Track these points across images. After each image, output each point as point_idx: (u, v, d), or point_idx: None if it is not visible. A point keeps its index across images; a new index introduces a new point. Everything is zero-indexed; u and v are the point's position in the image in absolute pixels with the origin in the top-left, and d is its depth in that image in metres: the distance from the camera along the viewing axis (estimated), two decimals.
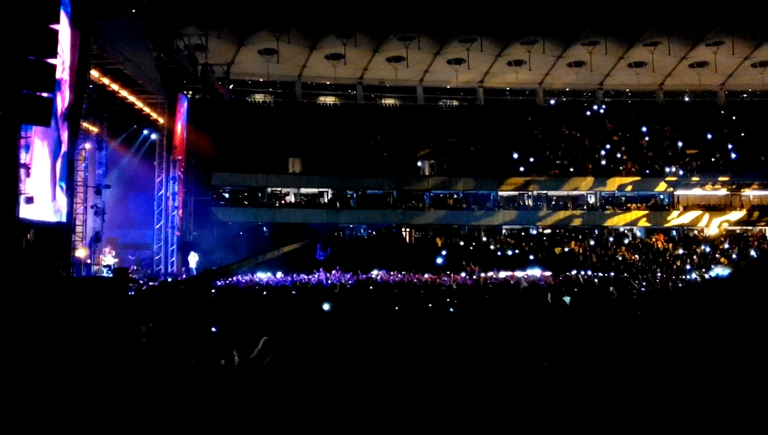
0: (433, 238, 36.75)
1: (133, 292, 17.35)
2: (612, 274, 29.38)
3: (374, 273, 27.63)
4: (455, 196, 39.08)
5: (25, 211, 15.06)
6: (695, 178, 39.58)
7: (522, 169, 38.92)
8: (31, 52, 13.77)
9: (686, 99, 44.79)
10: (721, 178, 39.57)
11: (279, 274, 26.29)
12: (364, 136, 38.60)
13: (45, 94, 14.12)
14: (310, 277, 25.85)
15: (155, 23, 23.74)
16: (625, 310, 13.17)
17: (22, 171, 14.73)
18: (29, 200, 15.04)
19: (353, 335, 8.94)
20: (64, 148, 16.89)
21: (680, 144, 40.75)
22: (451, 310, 13.65)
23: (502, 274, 28.92)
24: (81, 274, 19.97)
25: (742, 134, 41.30)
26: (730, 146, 40.73)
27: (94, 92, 20.46)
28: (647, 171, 39.77)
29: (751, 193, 39.93)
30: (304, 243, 29.54)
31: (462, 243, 35.95)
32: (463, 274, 28.24)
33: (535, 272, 29.79)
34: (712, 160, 40.24)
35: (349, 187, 38.22)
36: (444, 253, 32.80)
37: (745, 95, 44.58)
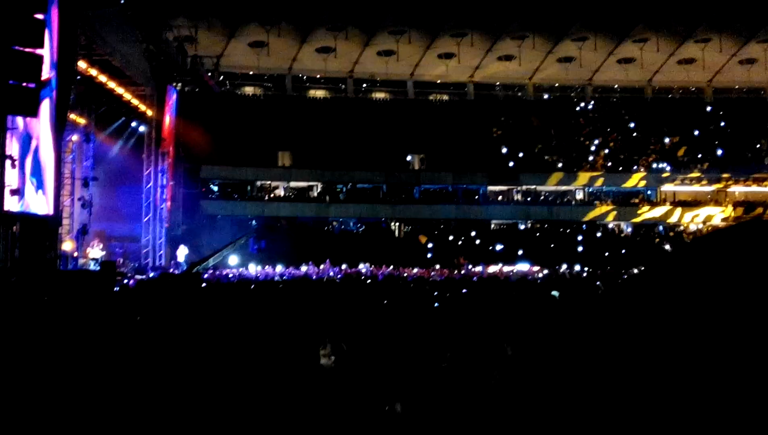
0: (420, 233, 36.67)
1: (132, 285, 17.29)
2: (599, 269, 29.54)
3: (363, 267, 27.67)
4: (444, 190, 39.18)
5: (11, 204, 14.93)
6: (682, 174, 39.89)
7: (511, 163, 39.06)
8: (17, 43, 13.67)
9: (674, 95, 45.03)
10: (707, 174, 39.89)
11: (267, 268, 26.28)
12: (354, 130, 38.53)
13: (31, 85, 14.05)
14: (296, 271, 25.85)
15: (144, 14, 23.55)
16: (612, 304, 13.30)
17: (8, 162, 14.60)
18: (15, 192, 14.91)
19: (342, 330, 8.95)
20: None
21: (668, 140, 41.00)
22: (436, 304, 13.70)
23: (491, 269, 29.04)
24: (68, 267, 19.85)
25: (729, 130, 41.65)
26: (716, 142, 41.06)
27: (81, 84, 20.27)
28: (635, 166, 40.00)
29: (737, 189, 40.27)
30: (246, 237, 29.30)
31: (451, 237, 36.01)
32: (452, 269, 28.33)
33: (524, 267, 29.92)
34: (699, 156, 40.52)
35: (339, 180, 38.20)
36: (430, 246, 32.93)
37: (732, 93, 44.87)
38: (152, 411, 5.34)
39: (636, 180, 39.83)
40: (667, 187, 40.07)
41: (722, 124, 42.06)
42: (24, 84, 13.81)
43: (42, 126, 16.51)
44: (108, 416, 5.21)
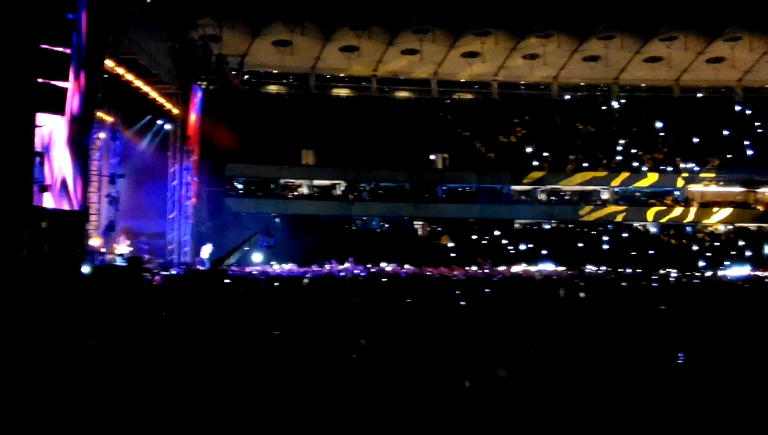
0: (443, 233, 36.49)
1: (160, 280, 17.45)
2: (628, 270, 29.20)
3: (385, 265, 27.66)
4: (468, 189, 39.00)
5: (40, 200, 15.13)
6: (710, 175, 39.22)
7: (536, 163, 38.74)
8: (46, 41, 13.87)
9: (702, 94, 44.30)
10: (736, 175, 39.16)
11: (290, 266, 26.41)
12: (377, 129, 38.53)
13: (60, 83, 14.24)
14: (321, 269, 25.92)
15: (170, 13, 23.77)
16: (641, 305, 13.09)
17: (37, 159, 14.80)
18: (44, 188, 15.11)
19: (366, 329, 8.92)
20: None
21: (696, 140, 40.35)
22: (462, 303, 13.62)
23: (514, 269, 28.87)
24: (95, 262, 20.09)
25: (759, 130, 40.89)
26: (746, 142, 40.32)
27: (108, 82, 20.50)
28: (662, 167, 39.43)
29: (767, 190, 39.50)
30: (257, 235, 29.16)
31: (474, 237, 35.84)
32: (474, 268, 28.20)
33: (548, 267, 29.70)
34: (728, 156, 39.81)
35: (362, 179, 38.18)
36: (451, 245, 32.83)
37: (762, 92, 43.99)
38: (179, 403, 5.35)
39: (663, 180, 39.24)
40: (696, 188, 39.43)
41: (752, 123, 41.33)
42: (52, 82, 14.02)
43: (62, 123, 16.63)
44: (135, 409, 5.23)
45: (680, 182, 39.33)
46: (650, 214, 38.53)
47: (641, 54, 41.56)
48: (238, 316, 9.97)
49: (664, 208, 38.73)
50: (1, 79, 13.47)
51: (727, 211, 38.56)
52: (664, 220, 38.42)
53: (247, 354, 7.38)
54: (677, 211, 38.56)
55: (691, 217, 38.49)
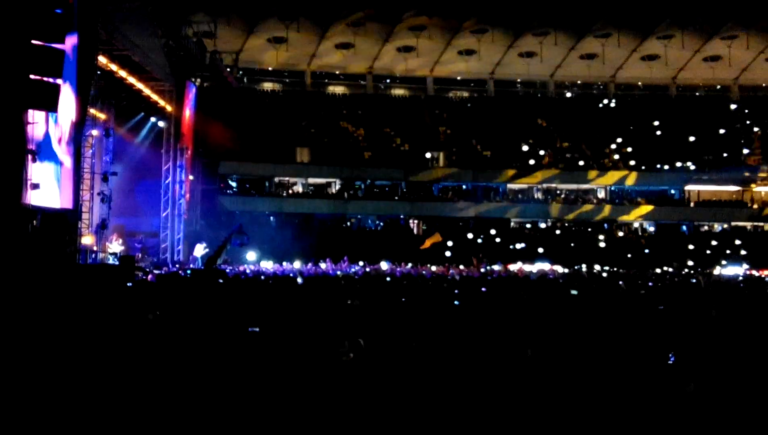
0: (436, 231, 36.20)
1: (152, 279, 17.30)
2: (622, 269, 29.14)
3: (380, 264, 27.53)
4: (464, 188, 38.87)
5: (31, 197, 14.94)
6: (706, 174, 39.21)
7: (532, 161, 38.64)
8: (38, 37, 13.68)
9: (699, 93, 44.30)
10: (732, 174, 39.14)
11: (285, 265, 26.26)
12: (373, 127, 38.35)
13: (52, 80, 14.06)
14: (316, 267, 25.79)
15: (164, 9, 23.53)
16: (637, 304, 13.03)
17: (29, 156, 14.61)
18: (35, 186, 14.92)
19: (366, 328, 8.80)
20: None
21: (692, 138, 40.33)
22: (456, 302, 13.52)
23: (510, 268, 28.79)
24: (87, 261, 19.90)
25: (755, 129, 40.93)
26: (742, 141, 40.34)
27: (101, 79, 20.29)
28: (658, 165, 39.39)
29: (762, 189, 39.51)
30: (232, 234, 28.84)
31: (470, 235, 35.70)
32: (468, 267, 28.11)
33: (544, 266, 29.64)
34: (725, 155, 39.80)
35: (358, 177, 38.00)
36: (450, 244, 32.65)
37: (759, 91, 44.03)
38: (175, 401, 5.23)
39: (660, 179, 39.21)
40: (692, 187, 39.41)
41: (748, 122, 41.38)
42: (45, 79, 13.83)
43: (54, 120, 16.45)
44: (128, 408, 5.11)
45: (675, 180, 39.24)
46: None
47: (638, 52, 41.56)
48: (230, 316, 9.84)
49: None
50: None
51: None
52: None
53: (236, 353, 7.25)
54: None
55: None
